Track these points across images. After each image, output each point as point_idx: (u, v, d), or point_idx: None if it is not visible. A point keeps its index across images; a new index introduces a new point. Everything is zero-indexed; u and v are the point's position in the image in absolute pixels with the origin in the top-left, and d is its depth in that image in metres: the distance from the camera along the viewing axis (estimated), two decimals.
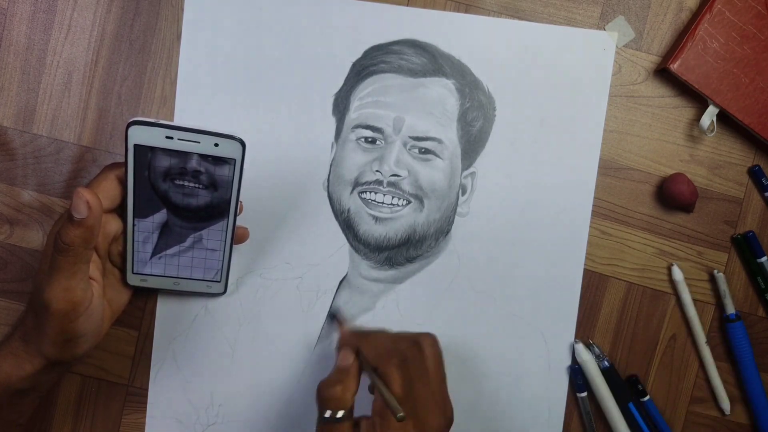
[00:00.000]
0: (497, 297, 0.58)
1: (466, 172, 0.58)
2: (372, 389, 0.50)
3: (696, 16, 0.57)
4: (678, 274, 0.58)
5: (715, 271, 0.58)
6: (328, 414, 0.47)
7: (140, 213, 0.51)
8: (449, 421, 0.49)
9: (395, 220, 0.58)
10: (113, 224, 0.50)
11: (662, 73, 0.58)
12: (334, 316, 0.58)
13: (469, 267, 0.58)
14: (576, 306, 0.59)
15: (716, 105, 0.56)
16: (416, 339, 0.50)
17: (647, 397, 0.58)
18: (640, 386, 0.58)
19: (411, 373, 0.48)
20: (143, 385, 0.58)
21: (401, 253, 0.58)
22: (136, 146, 0.48)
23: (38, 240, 0.58)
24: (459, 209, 0.58)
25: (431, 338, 0.51)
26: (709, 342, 0.59)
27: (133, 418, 0.58)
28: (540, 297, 0.58)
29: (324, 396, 0.48)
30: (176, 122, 0.55)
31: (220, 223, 0.52)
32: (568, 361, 0.59)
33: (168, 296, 0.58)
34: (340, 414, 0.47)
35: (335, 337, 0.57)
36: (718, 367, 0.59)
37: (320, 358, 0.58)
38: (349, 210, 0.58)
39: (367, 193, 0.57)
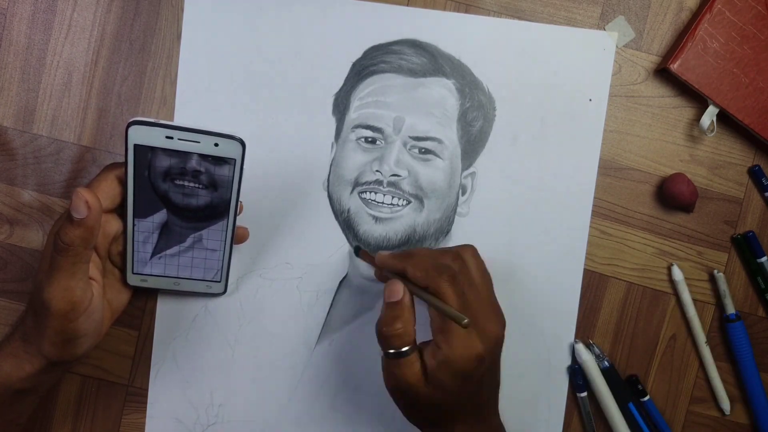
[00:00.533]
0: (497, 296, 0.58)
1: (466, 172, 0.58)
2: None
3: (696, 16, 0.57)
4: (678, 274, 0.58)
5: (715, 271, 0.58)
6: (393, 351, 0.48)
7: (140, 213, 0.51)
8: (504, 326, 0.49)
9: (395, 220, 0.58)
10: (113, 224, 0.50)
11: (662, 73, 0.58)
12: (358, 249, 0.57)
13: None
14: (576, 306, 0.59)
15: (716, 105, 0.56)
16: (458, 252, 0.50)
17: (647, 397, 0.58)
18: (640, 386, 0.58)
19: (461, 285, 0.48)
20: (143, 385, 0.58)
21: None
22: (136, 146, 0.48)
23: (38, 240, 0.58)
24: (459, 209, 0.58)
25: (471, 249, 0.51)
26: (709, 342, 0.59)
27: (133, 418, 0.58)
28: (540, 297, 0.58)
29: (386, 335, 0.48)
30: (176, 122, 0.55)
31: (220, 223, 0.52)
32: (568, 361, 0.59)
33: (168, 296, 0.58)
34: (406, 350, 0.47)
35: (360, 266, 0.58)
36: (718, 367, 0.59)
37: (320, 358, 0.58)
38: (349, 210, 0.58)
39: (367, 193, 0.57)
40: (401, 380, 0.47)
